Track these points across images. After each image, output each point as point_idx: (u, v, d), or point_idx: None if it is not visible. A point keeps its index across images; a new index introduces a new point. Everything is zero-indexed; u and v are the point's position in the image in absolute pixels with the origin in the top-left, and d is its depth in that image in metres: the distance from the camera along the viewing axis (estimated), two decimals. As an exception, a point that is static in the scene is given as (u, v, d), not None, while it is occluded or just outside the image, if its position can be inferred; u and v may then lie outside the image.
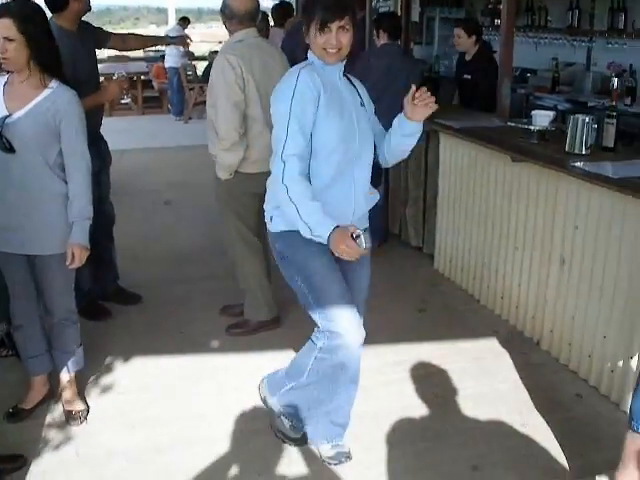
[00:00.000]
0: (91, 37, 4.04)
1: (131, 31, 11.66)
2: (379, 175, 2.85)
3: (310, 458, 3.00)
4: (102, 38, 4.22)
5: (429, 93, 2.58)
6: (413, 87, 2.60)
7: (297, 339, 3.31)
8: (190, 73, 12.61)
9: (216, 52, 13.79)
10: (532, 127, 4.05)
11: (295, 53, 4.56)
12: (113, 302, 4.48)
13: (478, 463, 2.97)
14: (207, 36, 24.16)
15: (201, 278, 4.98)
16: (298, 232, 2.54)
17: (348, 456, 2.99)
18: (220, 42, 18.67)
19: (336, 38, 2.57)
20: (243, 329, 4.17)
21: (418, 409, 3.36)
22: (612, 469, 2.57)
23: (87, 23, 4.05)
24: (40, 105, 2.86)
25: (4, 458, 2.93)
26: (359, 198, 2.72)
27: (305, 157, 2.55)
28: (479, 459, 2.99)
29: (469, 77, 5.61)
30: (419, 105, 2.58)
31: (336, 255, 2.46)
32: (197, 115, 12.54)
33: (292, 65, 3.88)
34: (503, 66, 4.98)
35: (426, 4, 9.36)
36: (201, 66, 13.16)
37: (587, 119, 3.67)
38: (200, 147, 9.82)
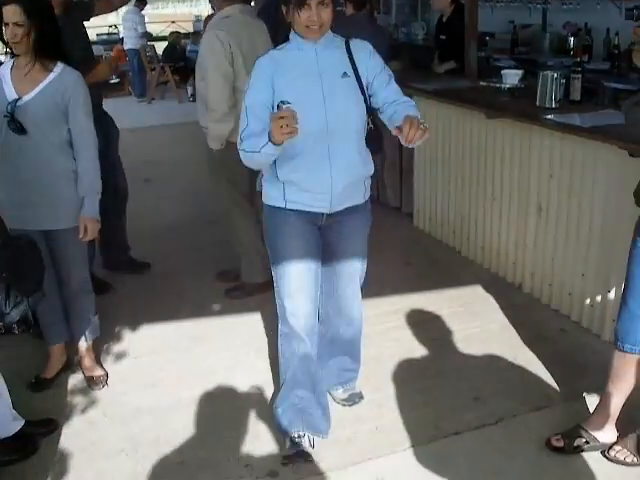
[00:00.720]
0: (79, 16, 4.16)
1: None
2: (376, 141, 2.81)
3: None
4: (89, 9, 4.33)
5: (414, 129, 2.40)
6: (400, 130, 2.47)
7: None
8: (150, 54, 12.62)
9: (176, 32, 13.87)
10: (503, 85, 4.30)
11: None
12: (125, 271, 4.71)
13: (478, 395, 3.24)
14: (155, 17, 24.00)
15: (192, 248, 5.17)
16: (274, 210, 2.76)
17: (360, 396, 3.24)
18: (173, 22, 18.66)
19: (317, 14, 2.58)
20: (241, 292, 4.38)
21: (417, 351, 3.63)
22: (598, 391, 2.86)
23: (74, 3, 4.18)
24: (48, 87, 3.01)
25: (36, 423, 3.10)
26: (338, 170, 2.70)
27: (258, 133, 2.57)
28: (478, 391, 3.26)
29: (444, 37, 5.84)
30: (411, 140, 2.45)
31: (283, 139, 2.40)
32: (159, 95, 12.61)
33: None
34: (469, 29, 5.21)
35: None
36: (160, 46, 13.15)
37: (556, 75, 3.92)
38: (167, 126, 10.06)
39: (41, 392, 3.41)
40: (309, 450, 2.87)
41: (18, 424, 2.97)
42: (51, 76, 3.04)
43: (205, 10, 27.56)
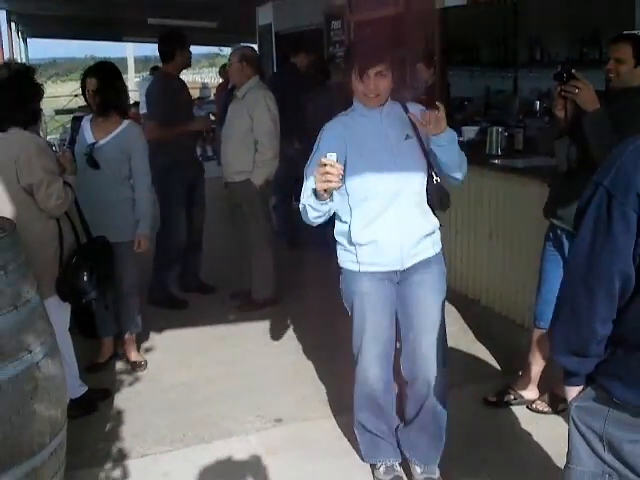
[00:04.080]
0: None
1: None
2: (440, 197, 2.96)
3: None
4: None
5: (431, 111, 2.67)
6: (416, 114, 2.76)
7: (291, 312, 5.12)
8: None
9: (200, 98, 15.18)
10: (462, 138, 5.35)
11: (286, 93, 5.92)
12: (195, 292, 5.70)
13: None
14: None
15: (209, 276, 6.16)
16: (349, 273, 2.94)
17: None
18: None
19: (374, 84, 2.73)
20: (250, 306, 5.35)
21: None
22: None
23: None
24: (118, 136, 4.10)
25: (96, 391, 4.03)
26: (404, 228, 2.83)
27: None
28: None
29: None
30: (427, 125, 2.69)
31: (322, 188, 2.47)
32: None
33: (282, 106, 5.24)
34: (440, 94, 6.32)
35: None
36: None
37: (500, 129, 4.99)
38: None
39: (95, 373, 4.32)
40: None
41: (83, 389, 3.90)
42: (120, 128, 4.12)
43: (207, 78, 29.30)
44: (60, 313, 3.59)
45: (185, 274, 5.75)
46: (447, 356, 3.01)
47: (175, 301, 5.50)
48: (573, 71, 3.23)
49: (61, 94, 21.88)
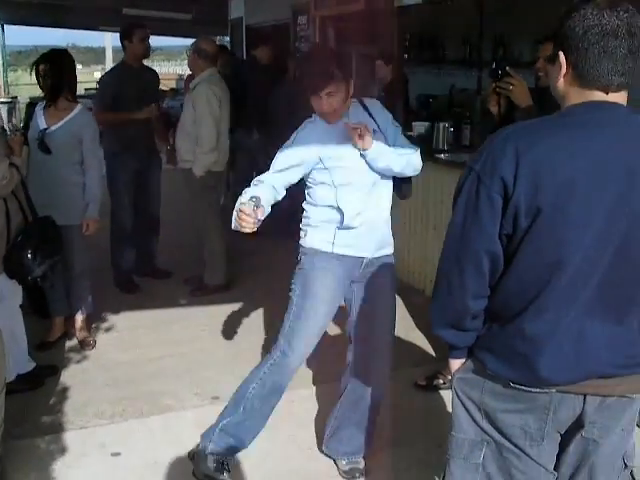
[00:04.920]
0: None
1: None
2: (401, 186, 3.16)
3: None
4: None
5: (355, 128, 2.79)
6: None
7: (241, 298, 5.29)
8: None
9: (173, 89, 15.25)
10: (411, 133, 5.54)
11: (246, 86, 6.07)
12: (149, 277, 5.84)
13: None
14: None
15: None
16: (318, 253, 2.96)
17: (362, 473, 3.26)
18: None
19: (327, 103, 2.80)
20: (202, 291, 5.51)
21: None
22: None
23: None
24: (70, 122, 4.23)
25: (43, 367, 4.16)
26: (382, 218, 3.03)
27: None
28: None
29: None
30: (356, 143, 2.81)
31: (236, 227, 2.62)
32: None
33: (242, 98, 5.35)
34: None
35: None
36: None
37: (446, 125, 5.17)
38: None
39: (44, 351, 4.44)
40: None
41: (31, 365, 4.03)
42: (72, 114, 4.25)
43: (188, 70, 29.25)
44: (10, 290, 3.73)
45: (140, 259, 5.87)
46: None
47: (128, 284, 5.63)
48: (507, 68, 3.41)
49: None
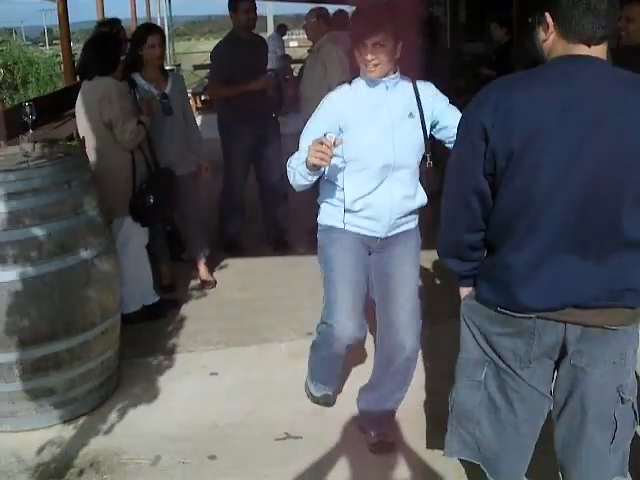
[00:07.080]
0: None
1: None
2: (428, 181, 3.00)
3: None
4: None
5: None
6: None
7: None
8: (288, 77, 14.44)
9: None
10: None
11: None
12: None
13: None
14: (303, 41, 26.18)
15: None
16: (332, 229, 3.00)
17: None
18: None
19: (372, 53, 2.70)
20: None
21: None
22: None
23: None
24: (173, 85, 4.77)
25: (166, 300, 4.74)
26: (396, 203, 2.90)
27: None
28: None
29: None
30: None
31: (312, 163, 2.60)
32: (294, 110, 14.39)
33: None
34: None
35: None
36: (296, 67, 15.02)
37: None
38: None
39: (170, 290, 5.04)
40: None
41: (155, 298, 4.62)
42: (170, 79, 4.77)
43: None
44: (135, 232, 4.32)
45: (267, 232, 6.01)
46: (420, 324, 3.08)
47: (234, 246, 5.84)
48: None
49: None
